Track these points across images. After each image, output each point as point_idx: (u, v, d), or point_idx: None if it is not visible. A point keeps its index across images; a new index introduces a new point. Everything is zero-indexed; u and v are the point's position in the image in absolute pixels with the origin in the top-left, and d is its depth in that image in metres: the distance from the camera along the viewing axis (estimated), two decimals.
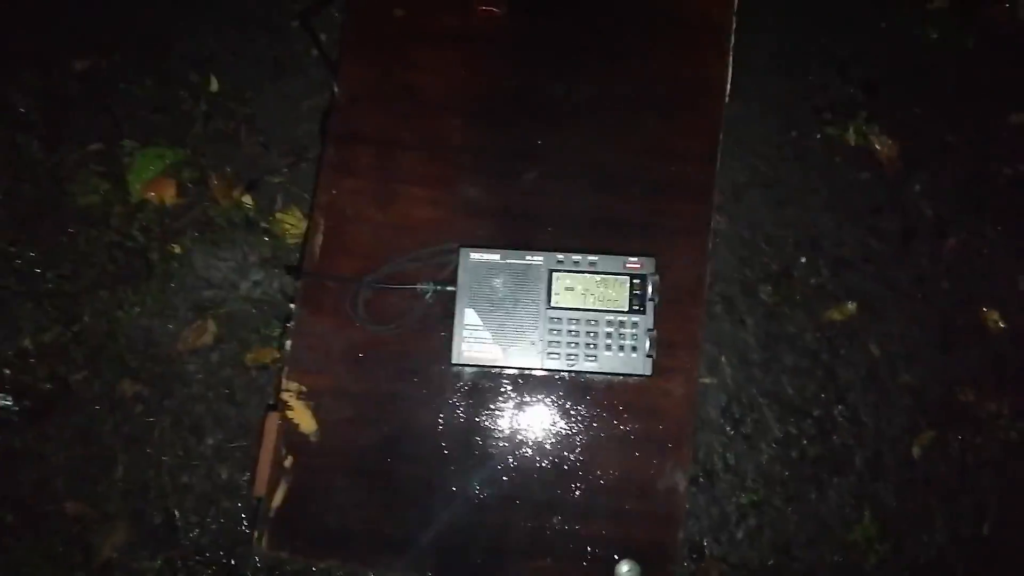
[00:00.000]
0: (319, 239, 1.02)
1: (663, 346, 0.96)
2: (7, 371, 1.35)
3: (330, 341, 0.99)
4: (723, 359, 1.42)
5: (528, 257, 0.98)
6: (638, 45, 1.07)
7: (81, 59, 1.50)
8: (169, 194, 1.45)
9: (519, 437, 0.97)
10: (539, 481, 0.96)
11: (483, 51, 1.07)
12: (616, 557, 0.94)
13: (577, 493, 0.96)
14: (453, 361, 0.95)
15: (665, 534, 0.94)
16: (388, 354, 0.99)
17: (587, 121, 1.05)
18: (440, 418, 0.97)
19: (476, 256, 0.98)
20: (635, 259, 0.97)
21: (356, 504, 0.96)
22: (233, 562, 1.31)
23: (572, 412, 0.98)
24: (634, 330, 0.96)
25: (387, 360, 0.99)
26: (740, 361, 1.42)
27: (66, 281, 1.40)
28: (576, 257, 0.97)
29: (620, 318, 0.96)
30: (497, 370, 0.98)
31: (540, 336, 0.96)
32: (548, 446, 0.97)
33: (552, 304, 0.97)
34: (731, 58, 1.06)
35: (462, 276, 0.97)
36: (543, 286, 0.97)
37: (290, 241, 1.44)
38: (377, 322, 0.99)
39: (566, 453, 0.97)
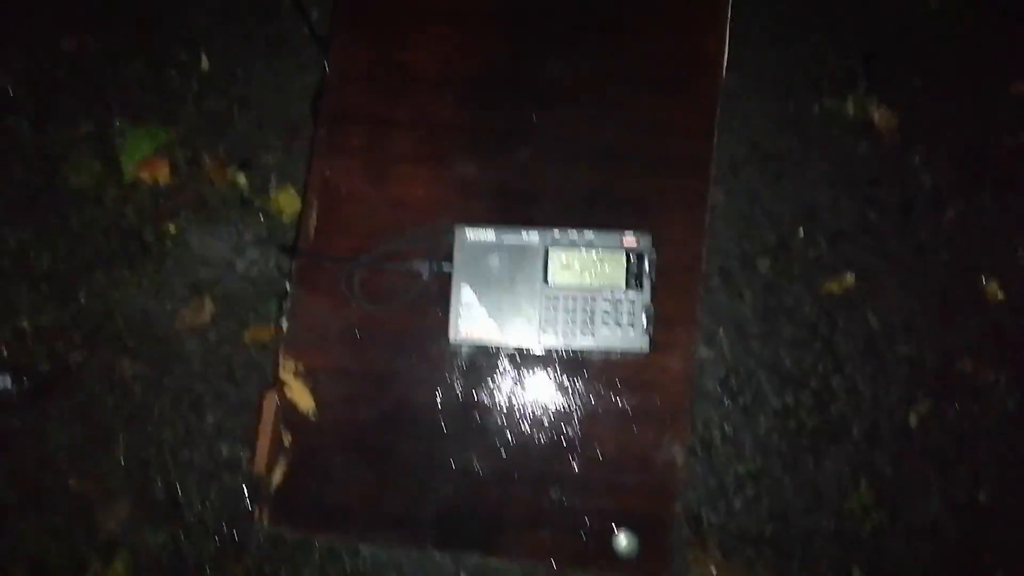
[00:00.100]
0: (313, 219, 1.01)
1: (660, 321, 0.96)
2: (5, 352, 1.36)
3: (327, 320, 0.99)
4: (721, 332, 1.42)
5: (524, 234, 0.97)
6: (634, 20, 1.05)
7: (69, 39, 1.48)
8: (162, 174, 1.44)
9: (517, 413, 0.98)
10: (537, 455, 0.97)
11: (477, 28, 1.05)
12: (614, 529, 0.95)
13: (575, 467, 0.96)
14: (450, 339, 0.95)
15: (662, 506, 0.95)
16: (385, 333, 0.99)
17: (583, 97, 1.04)
18: (438, 395, 0.98)
19: (472, 234, 0.97)
20: (632, 235, 0.97)
21: (355, 480, 0.96)
22: (236, 536, 1.33)
23: (569, 388, 0.98)
24: (631, 306, 0.96)
25: (384, 338, 0.99)
26: (738, 334, 1.42)
27: (61, 262, 1.40)
28: (573, 234, 0.97)
29: (617, 295, 0.96)
30: (494, 347, 0.98)
31: (537, 313, 0.96)
32: (546, 421, 0.97)
33: (549, 281, 0.96)
34: (728, 32, 1.05)
35: (458, 254, 0.97)
36: (540, 263, 0.97)
37: (285, 220, 1.43)
38: (373, 301, 0.99)
39: (564, 428, 0.97)
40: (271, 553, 1.32)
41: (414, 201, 1.01)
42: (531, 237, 0.97)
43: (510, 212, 1.01)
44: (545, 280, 0.96)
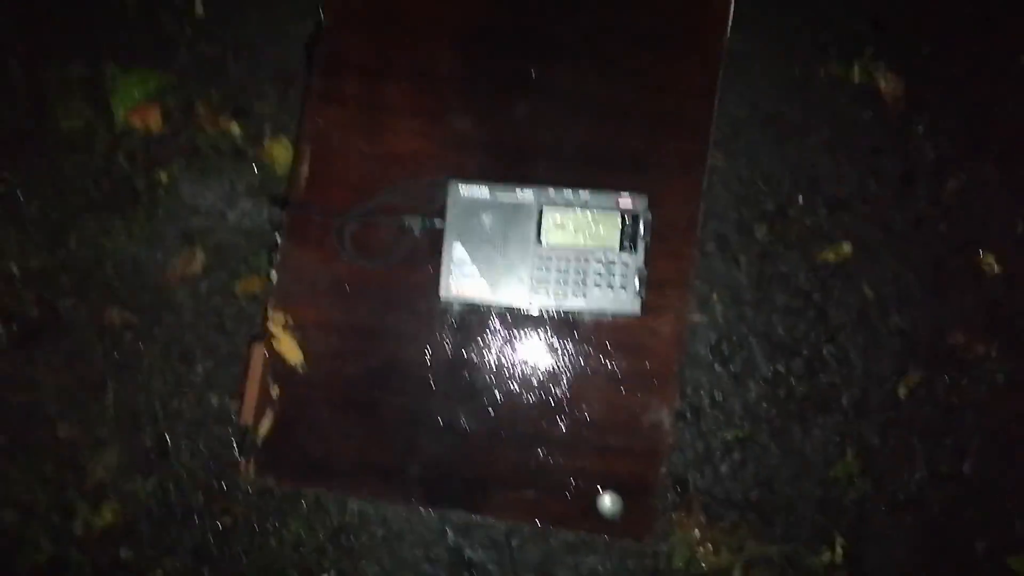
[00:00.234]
0: (305, 170, 1.00)
1: (653, 285, 0.96)
2: None
3: (316, 273, 0.98)
4: (715, 297, 1.41)
5: (518, 192, 0.96)
6: None
7: None
8: (154, 120, 1.41)
9: (505, 372, 0.97)
10: (524, 415, 0.97)
11: None
12: (599, 490, 0.95)
13: (562, 427, 0.97)
14: (441, 296, 0.95)
15: (648, 469, 0.96)
16: (375, 287, 0.98)
17: (583, 52, 1.02)
18: (427, 352, 0.97)
19: (465, 190, 0.96)
20: (627, 196, 0.96)
21: (343, 434, 0.97)
22: (224, 486, 1.34)
23: (559, 348, 0.98)
24: (624, 269, 0.95)
25: (374, 293, 0.98)
26: (732, 299, 1.42)
27: (51, 207, 1.38)
28: (568, 193, 0.96)
29: (610, 256, 0.95)
30: (485, 306, 0.98)
31: (529, 273, 0.95)
32: (534, 381, 0.97)
33: (542, 241, 0.95)
34: None
35: (450, 210, 0.95)
36: (533, 222, 0.95)
37: (278, 170, 1.41)
38: (364, 255, 0.98)
39: (552, 388, 0.97)
40: (259, 504, 1.33)
41: (407, 154, 1.00)
42: (525, 195, 0.96)
43: (505, 168, 0.99)
44: (538, 239, 0.96)
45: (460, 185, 0.96)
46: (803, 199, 1.45)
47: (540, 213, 0.96)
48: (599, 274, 0.95)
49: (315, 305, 0.98)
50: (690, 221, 1.00)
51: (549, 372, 0.97)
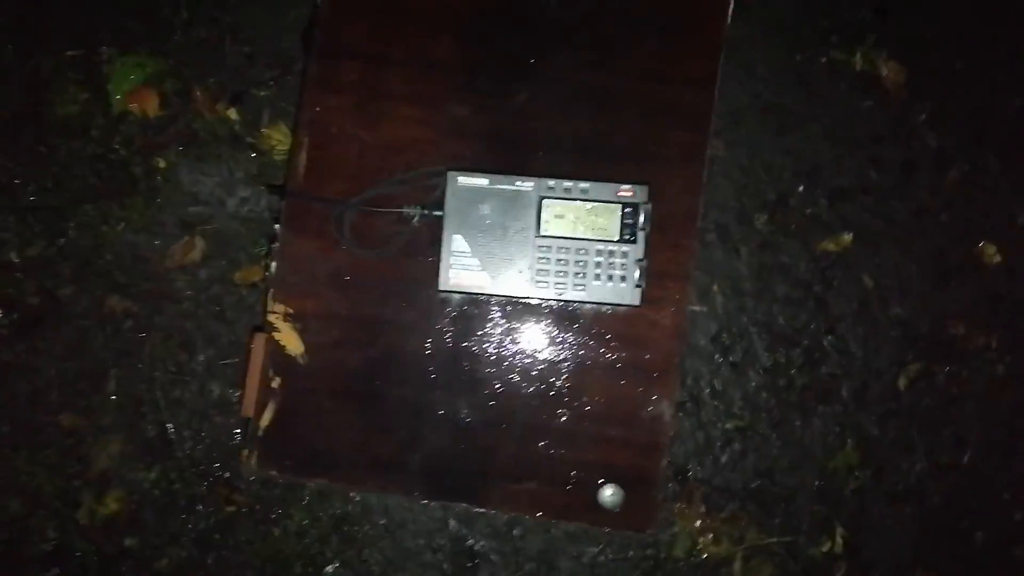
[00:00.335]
0: (303, 158, 0.99)
1: (653, 276, 0.96)
2: None
3: (316, 263, 0.98)
4: (715, 287, 1.41)
5: (518, 183, 0.95)
6: None
7: None
8: (151, 106, 1.40)
9: (506, 363, 0.97)
10: (525, 406, 0.97)
11: None
12: (600, 482, 0.96)
13: (563, 419, 0.97)
14: (440, 287, 0.95)
15: (648, 461, 0.96)
16: (375, 278, 0.98)
17: (582, 40, 1.01)
18: (427, 343, 0.97)
19: (464, 180, 0.95)
20: (627, 187, 0.95)
21: (344, 425, 0.97)
22: (227, 475, 1.34)
23: (559, 340, 0.98)
24: (624, 260, 0.95)
25: (374, 284, 0.98)
26: (732, 290, 1.41)
27: (49, 194, 1.37)
28: (567, 184, 0.95)
29: (610, 247, 0.95)
30: (485, 297, 0.97)
31: (529, 264, 0.95)
32: (535, 373, 0.97)
33: (542, 232, 0.95)
34: None
35: (450, 201, 0.95)
36: (533, 213, 0.95)
37: (277, 158, 1.41)
38: (363, 245, 0.98)
39: (553, 380, 0.97)
40: (262, 493, 1.34)
41: (406, 142, 0.99)
42: (525, 185, 0.95)
43: (504, 157, 0.99)
44: (538, 230, 0.95)
45: (459, 176, 0.95)
46: (804, 188, 1.44)
47: (540, 204, 0.95)
48: (599, 265, 0.95)
49: (315, 295, 0.98)
50: (690, 212, 0.99)
51: (549, 363, 0.97)
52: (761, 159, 1.45)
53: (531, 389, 0.97)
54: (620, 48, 1.01)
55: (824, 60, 1.47)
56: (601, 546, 1.37)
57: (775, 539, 1.40)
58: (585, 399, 0.97)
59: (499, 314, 0.98)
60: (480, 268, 0.95)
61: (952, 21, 1.48)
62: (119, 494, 1.33)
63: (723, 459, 1.40)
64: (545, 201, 0.95)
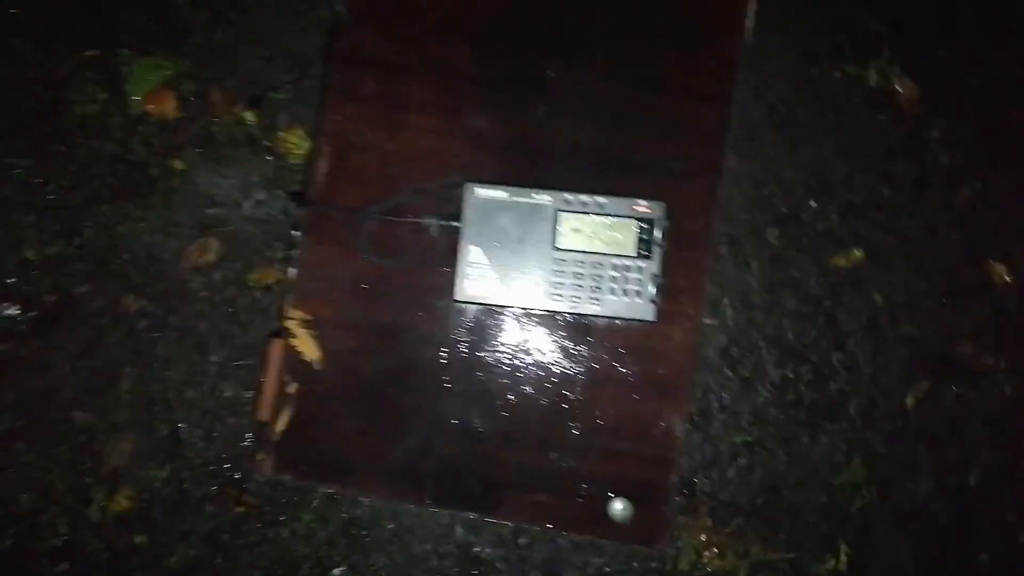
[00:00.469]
0: (323, 166, 1.00)
1: (668, 291, 0.96)
2: (11, 281, 1.36)
3: (334, 271, 0.99)
4: (725, 300, 1.42)
5: (535, 196, 0.96)
6: None
7: None
8: (169, 107, 1.41)
9: (519, 374, 0.98)
10: (537, 418, 0.98)
11: None
12: (610, 495, 0.96)
13: (575, 431, 0.97)
14: (456, 298, 0.96)
15: (659, 475, 0.97)
16: (392, 287, 0.99)
17: (601, 53, 1.02)
18: (442, 352, 0.98)
19: (482, 192, 0.96)
20: (644, 203, 0.96)
21: (358, 432, 0.98)
22: (237, 476, 1.35)
23: (573, 353, 0.98)
24: (639, 275, 0.96)
25: (391, 292, 0.99)
26: (742, 303, 1.42)
27: (67, 193, 1.38)
28: (584, 198, 0.96)
29: (626, 262, 0.96)
30: (500, 308, 0.98)
31: (545, 277, 0.96)
32: (548, 385, 0.98)
33: (558, 245, 0.96)
34: None
35: (467, 212, 0.96)
36: (549, 226, 0.96)
37: (293, 161, 1.41)
38: (381, 254, 0.99)
39: (565, 392, 0.98)
40: (271, 495, 1.35)
41: (425, 152, 1.00)
42: (542, 198, 0.96)
43: (521, 169, 1.00)
44: (554, 243, 0.96)
45: (477, 187, 0.96)
46: (816, 203, 1.45)
47: (556, 217, 0.96)
48: (614, 280, 0.96)
49: (333, 302, 0.99)
50: (705, 228, 1.00)
51: (562, 375, 0.98)
52: (774, 173, 1.45)
53: (544, 401, 0.98)
54: (638, 62, 1.02)
55: (838, 75, 1.48)
56: (606, 557, 1.38)
57: (780, 555, 1.40)
58: (597, 412, 0.98)
59: (514, 325, 0.99)
60: (496, 279, 0.96)
61: (967, 38, 1.48)
62: (130, 492, 1.34)
63: (730, 473, 1.41)
64: (562, 214, 0.96)
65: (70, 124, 1.39)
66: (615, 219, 0.96)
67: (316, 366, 0.98)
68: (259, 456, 0.97)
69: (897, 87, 1.47)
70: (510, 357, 0.98)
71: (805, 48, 1.48)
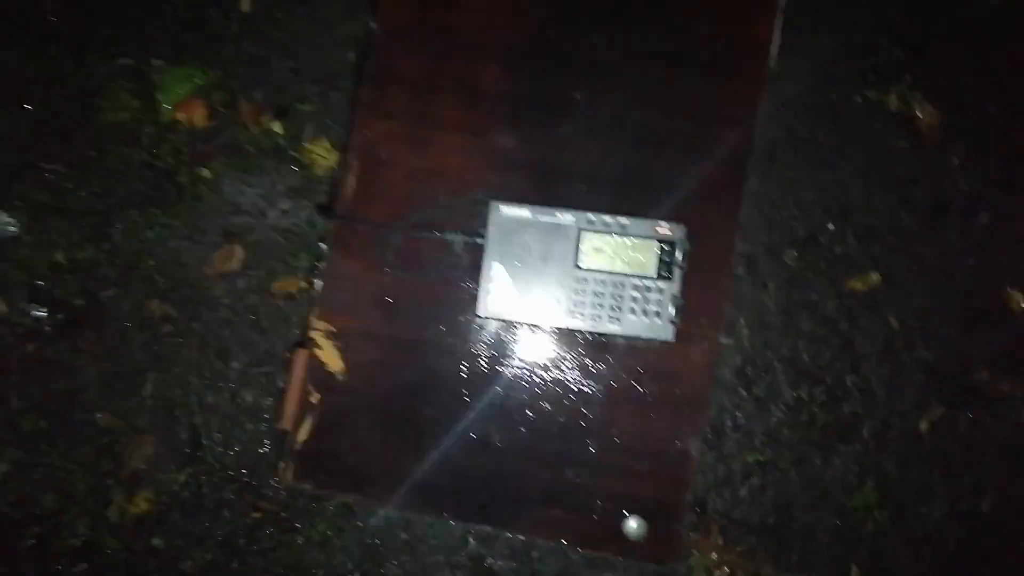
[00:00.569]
0: (352, 181, 1.02)
1: (687, 312, 0.97)
2: (41, 283, 1.38)
3: (360, 284, 1.01)
4: (741, 320, 1.43)
5: (558, 215, 0.98)
6: (684, 0, 1.04)
7: None
8: (199, 116, 1.44)
9: (538, 391, 1.00)
10: (555, 435, 0.99)
11: None
12: (625, 513, 0.97)
13: (591, 449, 0.99)
14: (478, 313, 0.97)
15: (674, 495, 0.98)
16: (416, 301, 1.00)
17: (627, 76, 1.03)
18: (463, 367, 1.00)
19: (506, 211, 0.98)
20: (666, 224, 0.97)
21: (378, 443, 0.99)
22: (254, 482, 1.37)
23: (591, 371, 1.00)
24: (660, 296, 0.97)
25: (415, 307, 1.00)
26: (758, 324, 1.43)
27: (97, 198, 1.41)
28: (607, 218, 0.97)
29: (647, 283, 0.97)
30: (521, 325, 1.00)
31: (566, 295, 0.97)
32: (566, 402, 0.99)
33: (580, 264, 0.97)
34: (780, 19, 1.03)
35: (491, 230, 0.97)
36: (572, 245, 0.97)
37: (318, 172, 1.44)
38: (406, 268, 1.00)
39: (583, 410, 0.99)
40: (287, 502, 1.36)
41: (452, 170, 1.02)
42: (565, 218, 0.98)
43: (545, 188, 1.01)
44: (576, 263, 0.97)
45: (501, 206, 0.98)
46: (834, 226, 1.46)
47: (579, 237, 0.97)
48: (634, 300, 0.97)
49: (357, 315, 1.00)
50: (725, 250, 1.01)
51: (580, 393, 0.99)
52: (793, 195, 1.46)
53: (561, 417, 0.99)
54: (663, 86, 1.03)
55: (859, 99, 1.49)
56: (618, 573, 1.39)
57: None
58: (614, 430, 0.99)
59: (534, 342, 1.00)
60: (518, 296, 0.97)
61: (988, 65, 1.49)
62: (149, 494, 1.36)
63: (742, 492, 1.41)
64: (584, 234, 0.97)
65: (102, 131, 1.43)
66: (637, 240, 0.97)
67: (339, 377, 0.99)
68: (280, 464, 0.98)
69: (917, 112, 1.48)
70: (529, 373, 1.00)
71: (826, 72, 1.49)
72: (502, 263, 0.97)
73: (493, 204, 0.98)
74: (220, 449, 1.38)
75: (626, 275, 0.97)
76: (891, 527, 1.41)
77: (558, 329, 0.99)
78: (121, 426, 1.37)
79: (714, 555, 1.39)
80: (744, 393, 1.42)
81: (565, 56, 1.03)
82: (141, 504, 1.35)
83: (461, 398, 0.99)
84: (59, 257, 1.39)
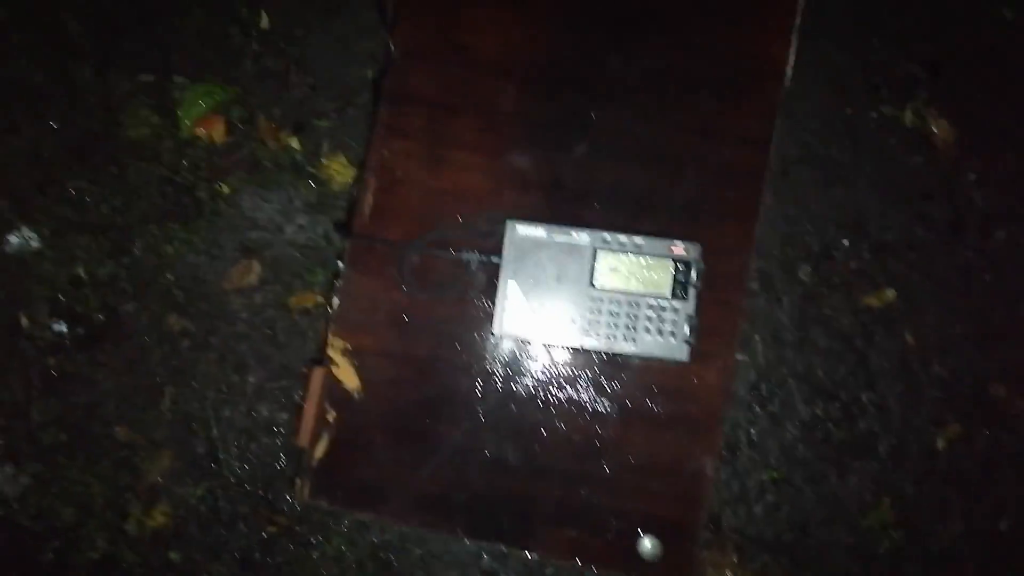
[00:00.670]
0: (369, 200, 1.03)
1: (701, 332, 0.97)
2: (62, 298, 1.40)
3: (376, 302, 1.01)
4: (756, 336, 1.43)
5: (574, 234, 0.98)
6: (701, 20, 1.04)
7: None
8: (218, 132, 1.46)
9: (553, 410, 1.00)
10: (569, 454, 0.99)
11: (542, 14, 1.05)
12: (639, 533, 0.97)
13: (606, 468, 0.99)
14: (493, 332, 0.98)
15: (688, 515, 0.98)
16: (431, 319, 1.01)
17: (642, 96, 1.04)
18: (478, 385, 1.00)
19: (522, 230, 0.98)
20: (681, 244, 0.98)
21: (394, 461, 1.00)
22: (270, 496, 1.38)
23: (606, 390, 1.00)
24: (675, 315, 0.97)
25: (430, 325, 1.01)
26: (773, 340, 1.43)
27: (118, 214, 1.43)
28: (622, 238, 0.98)
29: (661, 302, 0.97)
30: (536, 344, 1.00)
31: (581, 314, 0.97)
32: (580, 421, 0.99)
33: (595, 283, 0.98)
34: (796, 40, 1.03)
35: (507, 249, 0.98)
36: (587, 265, 0.98)
37: (335, 187, 1.45)
38: (422, 287, 1.01)
39: (597, 429, 0.99)
40: (303, 516, 1.37)
41: (468, 189, 1.03)
42: (580, 237, 0.98)
43: (561, 207, 1.02)
44: (591, 282, 0.98)
45: (517, 225, 0.98)
46: (849, 242, 1.45)
47: (594, 256, 0.98)
48: (649, 319, 0.97)
49: (374, 333, 1.01)
50: (740, 270, 1.01)
51: (595, 412, 1.00)
52: (807, 211, 1.46)
53: (576, 436, 0.99)
54: (678, 106, 1.04)
55: (874, 115, 1.49)
56: None
57: None
58: (628, 450, 0.99)
59: (549, 361, 1.01)
60: (533, 315, 0.98)
61: (1003, 81, 1.49)
62: (166, 508, 1.37)
63: (757, 510, 1.41)
64: (600, 253, 0.98)
65: (123, 147, 1.45)
66: (652, 259, 0.98)
67: (355, 395, 1.00)
68: (297, 481, 0.99)
69: (933, 128, 1.48)
70: (544, 392, 1.00)
71: (842, 88, 1.49)
72: (518, 282, 0.98)
73: (509, 223, 0.98)
74: (236, 463, 1.39)
75: (641, 295, 0.97)
76: (907, 546, 1.40)
77: (573, 348, 0.99)
78: (139, 440, 1.38)
79: (729, 573, 1.38)
80: (759, 409, 1.42)
81: (581, 76, 1.04)
82: (158, 518, 1.37)
83: (476, 416, 1.00)
84: (80, 272, 1.41)
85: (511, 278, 0.98)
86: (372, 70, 1.47)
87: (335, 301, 1.02)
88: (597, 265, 0.98)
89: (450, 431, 1.00)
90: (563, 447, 0.99)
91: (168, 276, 1.42)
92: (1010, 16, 1.50)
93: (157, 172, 1.45)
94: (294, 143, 1.47)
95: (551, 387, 1.00)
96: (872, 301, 1.44)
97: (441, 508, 0.99)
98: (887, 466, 1.41)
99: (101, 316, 1.41)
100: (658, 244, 0.98)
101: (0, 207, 1.42)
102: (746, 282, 1.01)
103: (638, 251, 0.98)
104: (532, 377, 1.00)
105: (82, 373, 1.39)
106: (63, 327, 1.39)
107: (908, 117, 1.48)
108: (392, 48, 1.05)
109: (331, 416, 1.00)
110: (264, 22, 1.50)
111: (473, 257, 1.00)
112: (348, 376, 1.00)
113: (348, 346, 1.01)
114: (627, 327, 0.97)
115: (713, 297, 0.99)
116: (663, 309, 0.97)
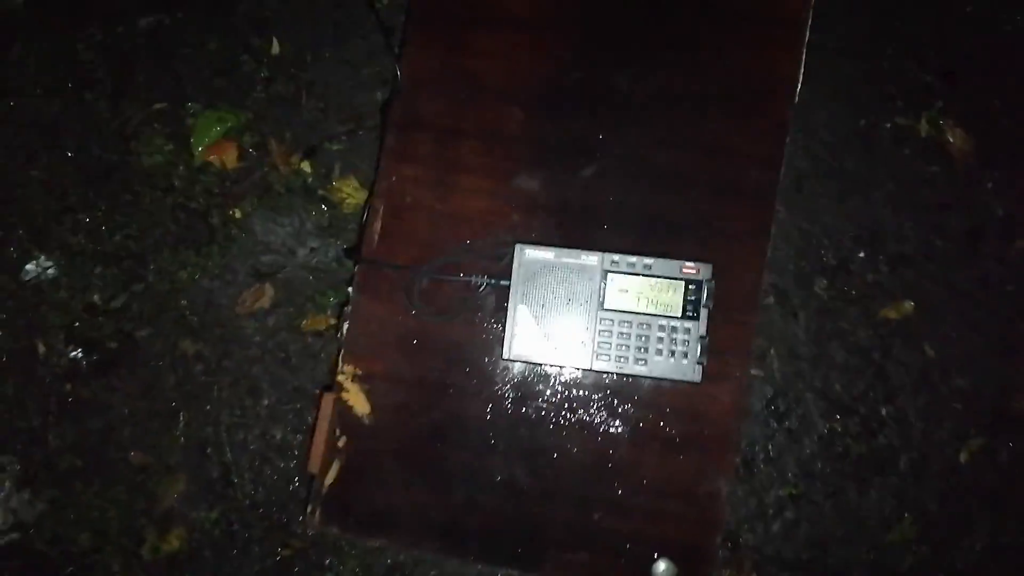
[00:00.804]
0: (378, 225, 1.03)
1: (713, 352, 0.97)
2: (77, 324, 1.42)
3: (385, 327, 1.02)
4: (772, 351, 1.41)
5: (583, 257, 0.98)
6: (708, 39, 1.04)
7: (146, 16, 1.52)
8: (230, 158, 1.47)
9: (565, 433, 0.99)
10: (582, 477, 0.98)
11: (548, 38, 1.05)
12: (654, 556, 0.96)
13: (619, 491, 0.98)
14: (504, 356, 0.97)
15: (703, 537, 0.97)
16: (441, 344, 1.01)
17: (651, 117, 1.03)
18: (489, 409, 1.00)
19: (531, 253, 0.98)
20: (692, 264, 0.97)
21: (405, 486, 1.00)
22: (284, 519, 1.38)
23: (618, 412, 0.99)
24: (686, 336, 0.96)
25: (440, 349, 1.01)
26: (789, 354, 1.41)
27: (132, 241, 1.45)
28: (632, 259, 0.97)
29: (673, 323, 0.96)
30: (547, 367, 1.00)
31: (591, 337, 0.97)
32: (592, 443, 0.99)
33: (605, 305, 0.97)
34: (804, 57, 1.03)
35: (516, 272, 0.98)
36: (597, 287, 0.97)
37: (346, 210, 1.46)
38: (432, 311, 1.01)
39: (610, 451, 0.99)
40: (317, 540, 1.37)
41: (476, 213, 1.03)
42: (590, 259, 0.98)
43: (570, 230, 1.02)
44: (601, 304, 0.97)
45: (527, 248, 0.98)
46: (865, 254, 1.44)
47: (604, 278, 0.98)
48: (660, 340, 0.97)
49: (383, 358, 1.01)
50: (752, 288, 1.00)
51: (607, 434, 0.99)
52: (822, 223, 1.45)
53: (588, 459, 0.99)
54: (687, 125, 1.03)
55: (889, 125, 1.47)
56: None
57: None
58: (641, 472, 0.98)
59: (560, 384, 1.00)
60: (544, 338, 0.97)
61: (1020, 88, 1.46)
62: (181, 532, 1.37)
63: (775, 527, 1.39)
64: (609, 275, 0.98)
65: (138, 174, 1.46)
66: (662, 280, 0.97)
67: (365, 420, 1.00)
68: (308, 509, 0.99)
69: (949, 137, 1.46)
70: (555, 415, 1.00)
71: (855, 98, 1.47)
72: (527, 305, 0.98)
73: (518, 246, 0.98)
74: (250, 486, 1.39)
75: (652, 316, 0.97)
76: (931, 562, 1.37)
77: (584, 371, 0.99)
78: (154, 464, 1.39)
79: None
80: (775, 425, 1.40)
81: (588, 97, 1.04)
82: (173, 542, 1.37)
83: (487, 440, 0.99)
84: (95, 299, 1.43)
85: (520, 301, 0.98)
86: (382, 92, 1.48)
87: (345, 327, 1.02)
88: (607, 287, 0.97)
89: (460, 455, 1.00)
90: (575, 470, 0.99)
91: (182, 301, 1.43)
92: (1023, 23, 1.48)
93: (171, 198, 1.46)
94: (305, 167, 1.47)
95: (562, 410, 0.99)
96: (890, 313, 1.42)
97: (453, 534, 0.98)
98: (908, 481, 1.39)
99: (116, 342, 1.42)
100: (669, 265, 0.97)
101: (17, 236, 1.44)
102: (759, 301, 1.01)
103: (648, 272, 0.97)
104: (543, 400, 1.00)
105: (98, 399, 1.40)
106: (79, 353, 1.41)
107: (923, 127, 1.47)
108: (399, 75, 1.06)
109: (342, 442, 1.00)
110: (275, 48, 1.51)
111: (482, 281, 1.00)
112: (358, 401, 1.00)
113: (358, 371, 1.01)
114: (638, 348, 0.97)
115: (725, 316, 0.98)
116: (674, 330, 0.97)
